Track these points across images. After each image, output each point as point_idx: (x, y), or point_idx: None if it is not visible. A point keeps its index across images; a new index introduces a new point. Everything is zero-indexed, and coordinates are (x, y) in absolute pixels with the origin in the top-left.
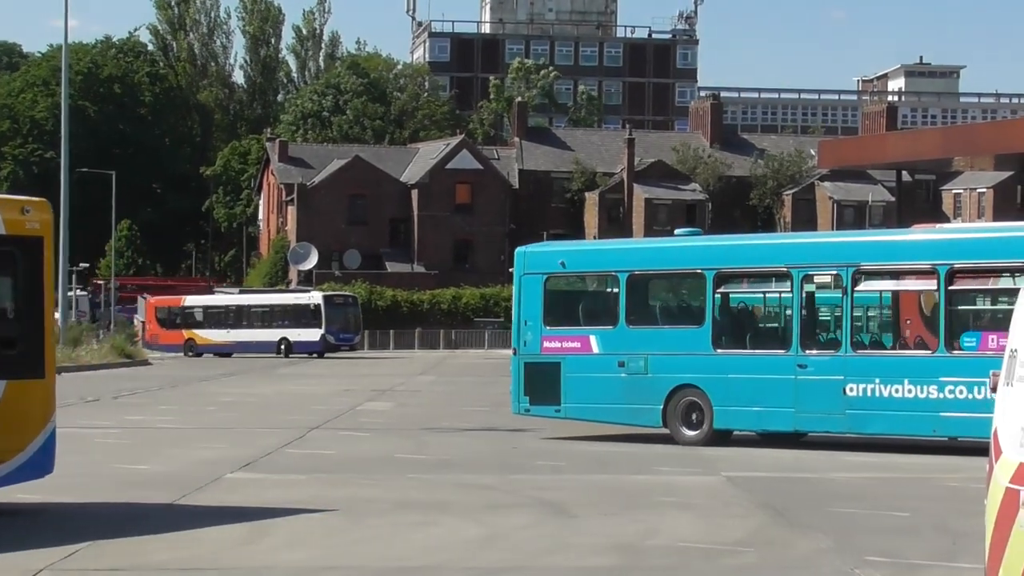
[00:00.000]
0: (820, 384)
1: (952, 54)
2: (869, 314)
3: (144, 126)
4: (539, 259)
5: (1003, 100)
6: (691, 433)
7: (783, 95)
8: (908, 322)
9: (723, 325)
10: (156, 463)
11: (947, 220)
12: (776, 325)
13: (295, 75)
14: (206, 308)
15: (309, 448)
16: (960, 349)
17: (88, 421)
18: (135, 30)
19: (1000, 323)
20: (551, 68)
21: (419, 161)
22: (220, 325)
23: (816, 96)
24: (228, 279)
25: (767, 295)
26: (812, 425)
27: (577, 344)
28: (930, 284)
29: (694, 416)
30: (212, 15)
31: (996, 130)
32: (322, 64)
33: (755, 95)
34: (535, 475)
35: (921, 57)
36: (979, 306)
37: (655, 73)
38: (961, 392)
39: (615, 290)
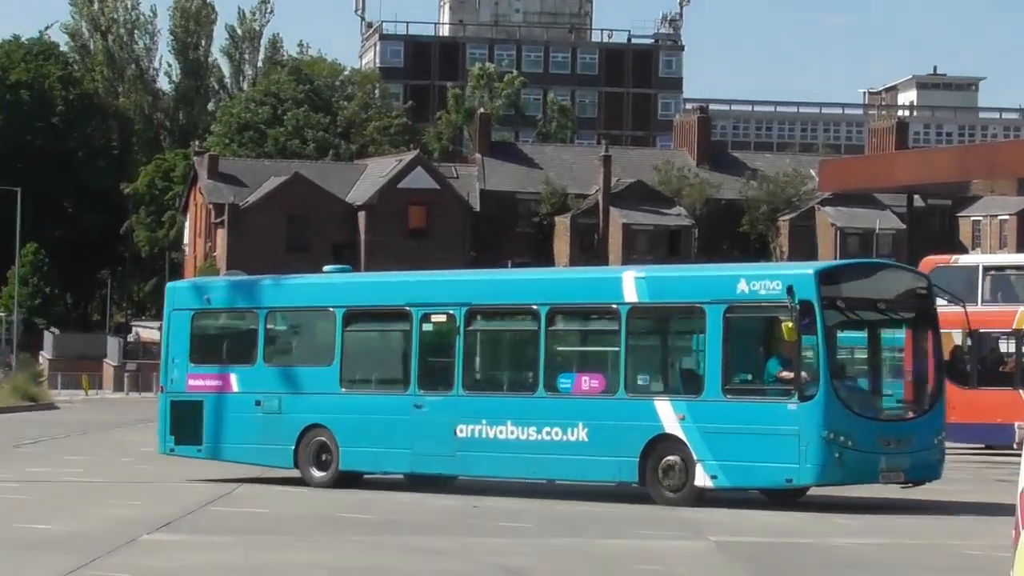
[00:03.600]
0: (433, 425)
1: (970, 64)
2: (482, 353)
3: (56, 137)
4: (187, 295)
5: None
6: (320, 475)
7: (779, 108)
8: (517, 361)
9: (351, 364)
10: (62, 522)
11: (964, 250)
12: (397, 364)
13: (228, 81)
14: None
15: (238, 505)
16: (556, 391)
17: None
18: (46, 28)
19: (592, 365)
20: (517, 75)
21: (367, 179)
22: None
23: (817, 110)
24: (148, 311)
25: (390, 333)
26: (426, 467)
27: (219, 382)
28: (533, 324)
29: (324, 457)
30: (133, 12)
31: (1020, 149)
32: (260, 69)
33: (748, 108)
34: (496, 538)
35: (935, 67)
36: (575, 347)
37: (635, 82)
38: (556, 434)
39: (255, 327)
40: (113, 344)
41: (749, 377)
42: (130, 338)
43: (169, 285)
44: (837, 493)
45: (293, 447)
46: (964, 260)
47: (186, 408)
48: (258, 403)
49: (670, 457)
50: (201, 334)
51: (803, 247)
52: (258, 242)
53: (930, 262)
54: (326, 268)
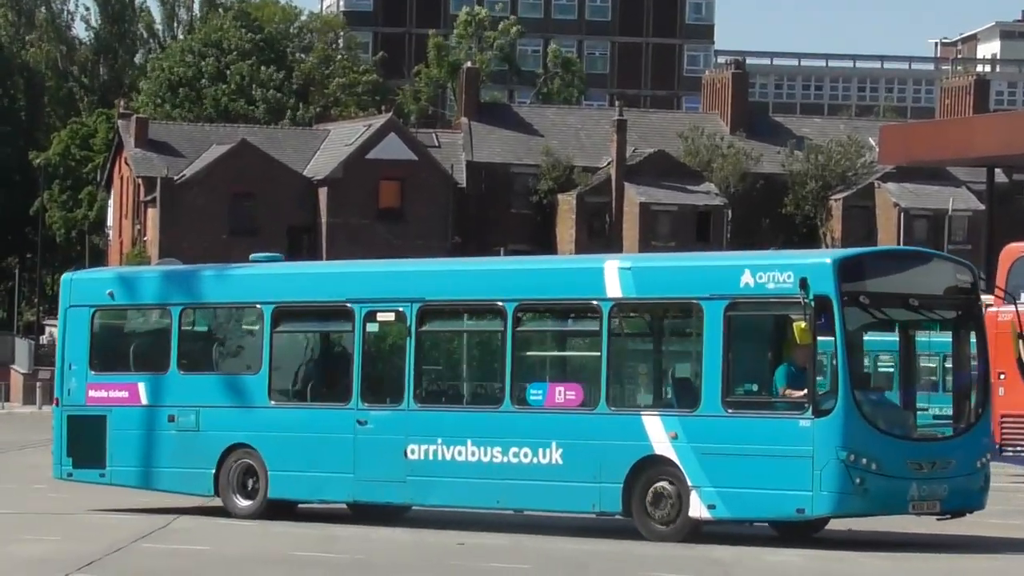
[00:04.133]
0: (380, 444)
1: None
2: (438, 360)
3: None
4: (87, 288)
5: None
6: (245, 503)
7: (832, 63)
8: (479, 368)
9: (282, 372)
10: None
11: None
12: (337, 372)
13: (159, 28)
14: None
15: (175, 542)
16: (525, 404)
17: None
18: None
19: (568, 373)
20: (513, 21)
21: (330, 148)
22: None
23: (878, 65)
24: None
25: (328, 335)
26: (371, 494)
27: (125, 393)
28: (498, 325)
29: (250, 483)
30: None
31: None
32: (198, 13)
33: (793, 63)
34: None
35: None
36: (547, 352)
37: (655, 31)
38: (525, 456)
39: (167, 328)
40: (22, 347)
41: (754, 388)
42: (43, 340)
43: (65, 276)
44: (873, 527)
45: (213, 471)
46: None
47: (86, 424)
48: (172, 418)
49: (660, 483)
50: (104, 336)
51: (859, 231)
52: (197, 224)
53: (1013, 250)
54: (253, 256)
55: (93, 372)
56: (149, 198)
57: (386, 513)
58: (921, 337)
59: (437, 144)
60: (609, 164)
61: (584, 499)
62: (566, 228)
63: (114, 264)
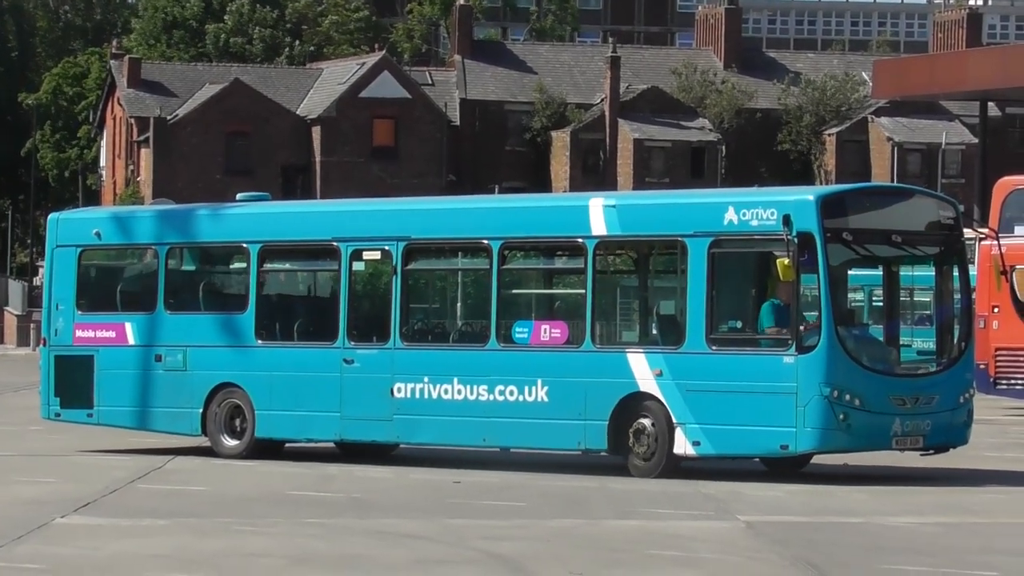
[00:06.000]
0: (366, 383)
1: None
2: (424, 298)
3: None
4: (73, 228)
5: None
6: (232, 443)
7: None
8: (465, 306)
9: (268, 311)
10: None
11: None
12: (323, 311)
13: None
14: None
15: (171, 482)
16: (511, 342)
17: None
18: None
19: (555, 311)
20: None
21: (323, 87)
22: None
23: None
24: None
25: (315, 274)
26: (358, 433)
27: (112, 333)
28: (484, 263)
29: (238, 422)
30: None
31: None
32: None
33: None
34: (483, 519)
35: None
36: (533, 290)
37: None
38: (511, 394)
39: (154, 267)
40: (16, 289)
41: (739, 325)
42: (36, 282)
43: (51, 216)
44: (871, 462)
45: (200, 410)
46: None
47: (73, 364)
48: (159, 358)
49: (645, 420)
50: (90, 275)
51: (853, 166)
52: (191, 164)
53: (1007, 184)
54: (240, 196)
55: (80, 312)
56: (142, 138)
57: (373, 452)
58: (905, 272)
59: (431, 82)
60: (603, 101)
61: (570, 436)
62: (560, 165)
63: (108, 204)
